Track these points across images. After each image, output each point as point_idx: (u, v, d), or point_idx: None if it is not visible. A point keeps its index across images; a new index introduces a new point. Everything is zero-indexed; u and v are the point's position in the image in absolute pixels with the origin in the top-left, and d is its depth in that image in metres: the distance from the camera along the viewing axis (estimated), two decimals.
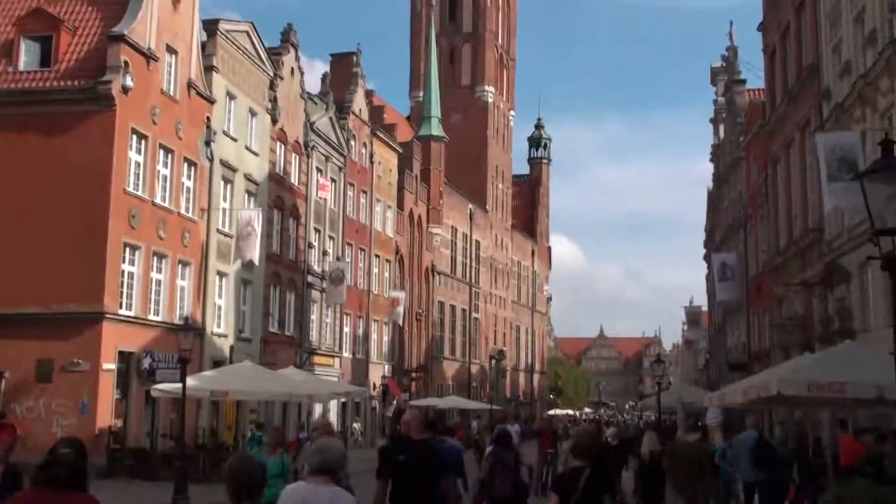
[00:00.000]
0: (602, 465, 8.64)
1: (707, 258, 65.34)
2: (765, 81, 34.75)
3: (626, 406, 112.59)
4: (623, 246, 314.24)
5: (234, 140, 31.58)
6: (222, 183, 30.80)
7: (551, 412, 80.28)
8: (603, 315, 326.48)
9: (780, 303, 32.31)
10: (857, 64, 23.56)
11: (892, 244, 6.62)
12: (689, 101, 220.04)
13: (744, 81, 40.44)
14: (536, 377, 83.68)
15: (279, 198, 35.52)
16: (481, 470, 11.55)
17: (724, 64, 44.98)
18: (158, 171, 26.64)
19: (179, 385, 21.94)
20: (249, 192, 32.71)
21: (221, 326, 30.72)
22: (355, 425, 40.65)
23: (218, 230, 30.18)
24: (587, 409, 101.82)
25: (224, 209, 30.68)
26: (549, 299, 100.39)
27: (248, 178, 32.35)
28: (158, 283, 26.74)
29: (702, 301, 69.34)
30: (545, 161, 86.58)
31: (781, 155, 31.49)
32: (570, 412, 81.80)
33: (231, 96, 31.50)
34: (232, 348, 30.83)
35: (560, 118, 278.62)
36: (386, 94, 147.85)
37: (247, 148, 32.60)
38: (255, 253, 28.77)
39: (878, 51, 21.17)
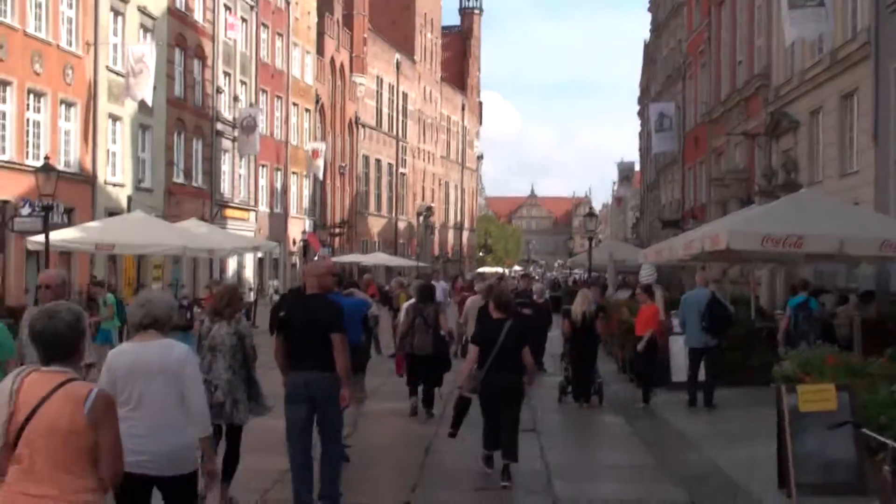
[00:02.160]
0: (521, 319, 9.20)
1: (641, 113, 63.52)
2: None
3: (556, 264, 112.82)
4: (556, 106, 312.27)
5: None
6: (111, 14, 27.30)
7: (481, 270, 79.47)
8: (535, 175, 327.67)
9: (718, 156, 30.68)
10: None
11: None
12: None
13: None
14: (466, 235, 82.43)
15: (181, 36, 32.07)
16: (401, 324, 11.37)
17: None
18: None
19: (60, 236, 19.57)
20: (145, 28, 29.28)
21: (117, 175, 27.90)
22: (273, 282, 38.55)
23: (108, 68, 26.91)
24: (517, 267, 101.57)
25: (115, 44, 27.33)
26: (480, 157, 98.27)
27: (142, 10, 28.84)
28: (37, 124, 23.68)
29: (634, 160, 68.07)
30: (477, 11, 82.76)
31: None
32: (500, 270, 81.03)
33: None
34: (130, 199, 28.13)
35: None
36: None
37: None
38: (147, 92, 25.74)
39: None
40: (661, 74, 42.22)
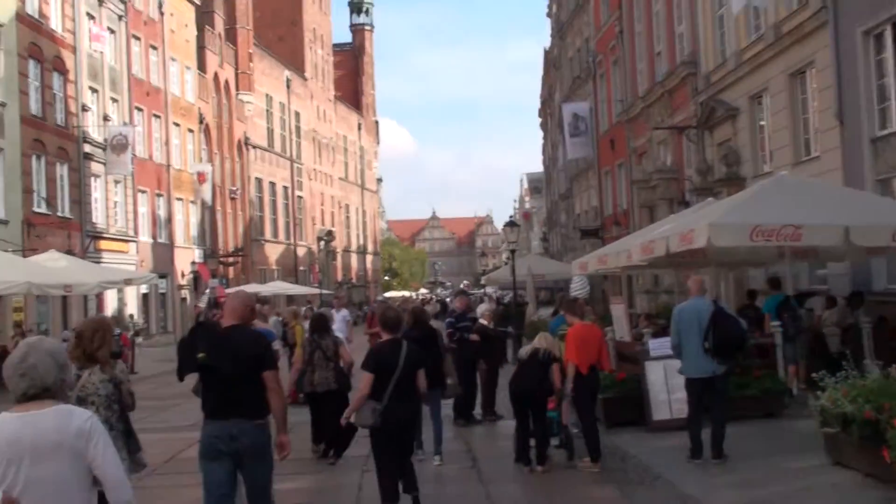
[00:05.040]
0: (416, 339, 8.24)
1: (544, 125, 61.76)
2: None
3: (462, 284, 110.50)
4: (451, 130, 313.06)
5: None
6: None
7: (387, 294, 76.28)
8: (435, 198, 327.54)
9: (640, 157, 28.49)
10: None
11: None
12: None
13: None
14: (370, 259, 79.17)
15: (35, 46, 28.19)
16: (296, 360, 10.79)
17: None
18: None
19: None
20: None
21: None
22: (132, 316, 34.20)
23: None
24: (423, 290, 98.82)
25: None
26: (380, 180, 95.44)
27: None
28: None
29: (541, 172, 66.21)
30: (368, 28, 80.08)
31: None
32: (407, 294, 78.01)
33: None
34: None
35: (381, 2, 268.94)
36: None
37: None
38: None
39: None
40: (567, 78, 40.08)
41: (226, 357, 5.75)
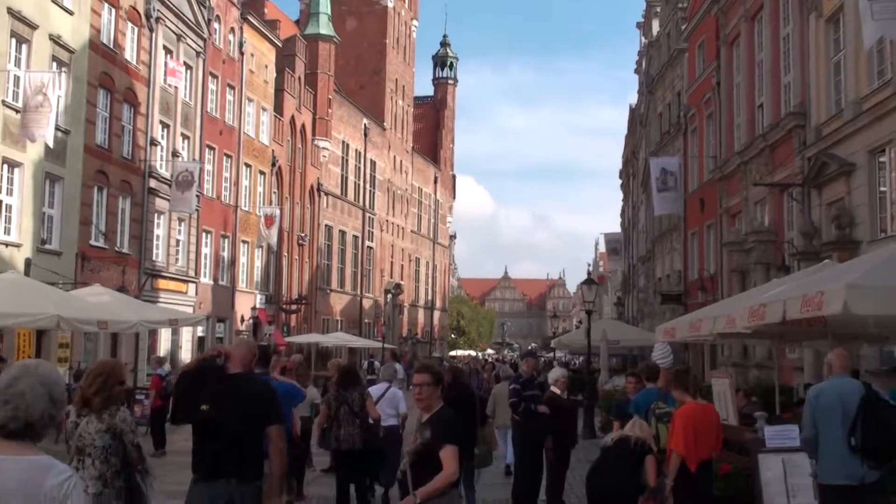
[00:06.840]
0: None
1: (625, 186, 59.74)
2: None
3: (530, 347, 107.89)
4: (528, 190, 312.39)
5: None
6: (13, 41, 22.76)
7: (452, 353, 74.31)
8: (508, 258, 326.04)
9: (732, 218, 26.28)
10: None
11: None
12: (594, 49, 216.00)
13: None
14: (437, 315, 77.38)
15: (107, 76, 27.50)
16: (321, 415, 9.98)
17: None
18: None
19: None
20: (59, 60, 24.68)
21: (11, 233, 22.97)
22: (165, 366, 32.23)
23: (4, 103, 22.25)
24: (489, 350, 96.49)
25: (15, 75, 22.67)
26: (453, 236, 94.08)
27: (55, 40, 24.30)
28: None
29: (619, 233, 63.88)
30: (451, 82, 79.36)
31: (742, 30, 25.14)
32: (472, 353, 75.89)
33: None
34: (28, 262, 23.09)
35: (464, 61, 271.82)
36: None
37: (53, 1, 24.51)
38: (47, 132, 20.91)
39: None
40: (655, 134, 38.10)
41: (230, 407, 5.29)
